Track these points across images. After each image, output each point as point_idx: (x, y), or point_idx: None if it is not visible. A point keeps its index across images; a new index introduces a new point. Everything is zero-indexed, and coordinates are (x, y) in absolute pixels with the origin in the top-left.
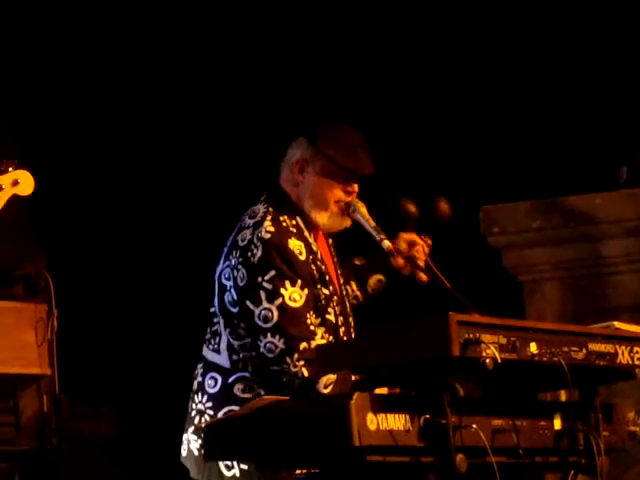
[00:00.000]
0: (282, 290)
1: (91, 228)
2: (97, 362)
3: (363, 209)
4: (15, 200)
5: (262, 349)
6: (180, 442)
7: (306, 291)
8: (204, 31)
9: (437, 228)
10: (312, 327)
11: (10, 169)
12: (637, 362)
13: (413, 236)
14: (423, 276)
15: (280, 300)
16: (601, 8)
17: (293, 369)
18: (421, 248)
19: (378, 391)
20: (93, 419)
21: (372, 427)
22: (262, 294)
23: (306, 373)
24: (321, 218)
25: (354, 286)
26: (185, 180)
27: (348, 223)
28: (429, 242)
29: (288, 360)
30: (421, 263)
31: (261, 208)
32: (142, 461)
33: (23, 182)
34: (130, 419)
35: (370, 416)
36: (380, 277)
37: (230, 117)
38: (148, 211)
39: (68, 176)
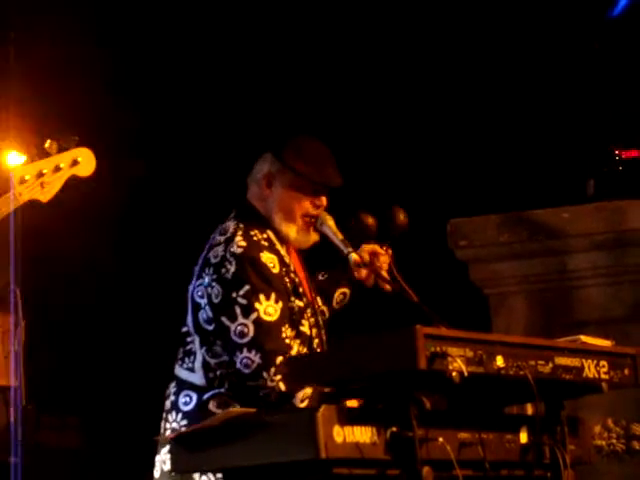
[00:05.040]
0: (257, 305)
1: (59, 239)
2: (64, 373)
3: (331, 222)
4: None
5: (238, 365)
6: (148, 454)
7: (281, 304)
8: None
9: (396, 237)
10: (288, 340)
11: (71, 147)
12: (603, 376)
13: (374, 247)
14: (387, 286)
15: (255, 315)
16: (567, 29)
17: (270, 384)
18: (383, 258)
19: (349, 404)
20: (59, 430)
21: (339, 439)
22: (237, 309)
23: (283, 387)
24: (290, 232)
25: (319, 301)
26: (157, 198)
27: (316, 238)
28: (390, 252)
29: (265, 375)
30: (384, 273)
31: (231, 224)
32: (109, 472)
33: (84, 162)
34: (97, 430)
35: (337, 428)
36: (344, 290)
37: (197, 136)
38: (119, 222)
39: None
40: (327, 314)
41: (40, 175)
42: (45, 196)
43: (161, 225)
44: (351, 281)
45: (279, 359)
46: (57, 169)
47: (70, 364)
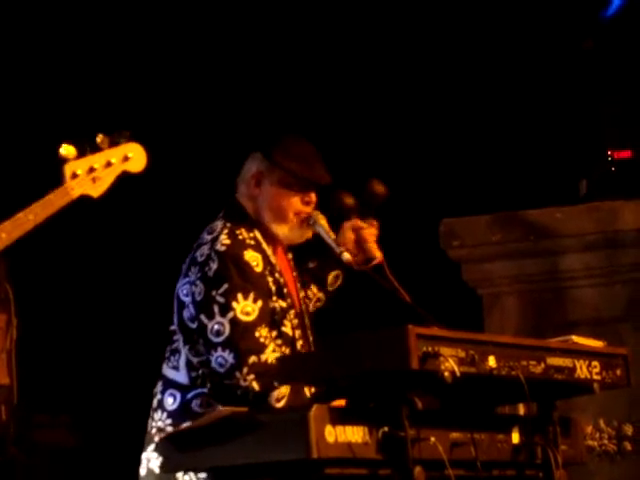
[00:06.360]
0: (234, 304)
1: (52, 237)
2: (56, 371)
3: (323, 221)
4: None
5: (213, 364)
6: (140, 451)
7: (259, 303)
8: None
9: (377, 209)
10: (262, 340)
11: (122, 141)
12: (595, 376)
13: (356, 222)
14: (378, 254)
15: (232, 314)
16: (561, 29)
17: (243, 383)
18: (367, 231)
19: (336, 403)
20: (52, 428)
21: (330, 439)
22: (215, 308)
23: (256, 387)
24: (282, 230)
25: (314, 289)
26: (146, 198)
27: (309, 234)
28: (375, 224)
29: (237, 375)
30: (373, 246)
31: (219, 224)
32: (102, 470)
33: (135, 157)
34: (89, 428)
35: (329, 428)
36: (336, 272)
37: (186, 137)
38: (110, 221)
39: (27, 183)
40: (323, 300)
41: (91, 170)
42: (96, 191)
43: (153, 224)
44: (341, 263)
45: (252, 359)
46: (108, 164)
47: (62, 362)
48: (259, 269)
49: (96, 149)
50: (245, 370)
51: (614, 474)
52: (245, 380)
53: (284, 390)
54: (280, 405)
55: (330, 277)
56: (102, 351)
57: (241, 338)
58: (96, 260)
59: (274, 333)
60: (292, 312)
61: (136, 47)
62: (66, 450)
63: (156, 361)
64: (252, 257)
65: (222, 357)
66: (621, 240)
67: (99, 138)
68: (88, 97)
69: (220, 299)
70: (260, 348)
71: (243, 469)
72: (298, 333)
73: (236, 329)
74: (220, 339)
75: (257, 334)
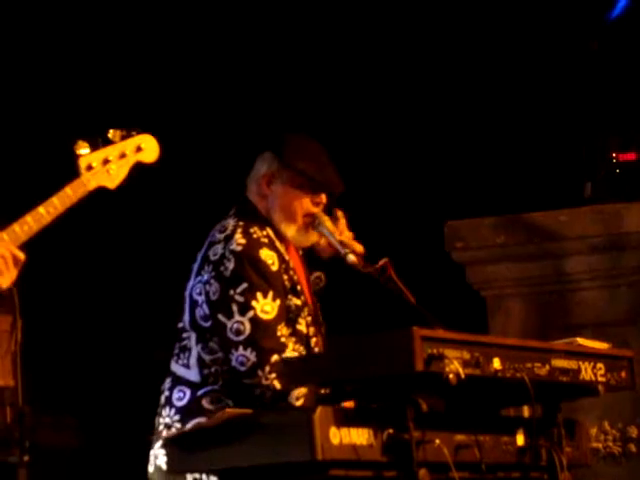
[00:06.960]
0: (254, 303)
1: (56, 238)
2: (61, 372)
3: (328, 222)
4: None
5: (234, 362)
6: (147, 453)
7: (278, 302)
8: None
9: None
10: (283, 339)
11: (133, 134)
12: (600, 378)
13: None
14: (358, 248)
15: (252, 313)
16: (566, 31)
17: (265, 382)
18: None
19: (346, 404)
20: (57, 430)
21: (335, 441)
22: (234, 307)
23: (278, 386)
24: (289, 231)
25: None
26: (154, 196)
27: (315, 238)
28: (339, 214)
29: (260, 373)
30: (349, 242)
31: (231, 222)
32: (107, 472)
33: (147, 148)
34: (94, 429)
35: (333, 430)
36: (319, 274)
37: (195, 134)
38: (116, 220)
39: (29, 184)
40: None
41: (106, 162)
42: (112, 182)
43: (159, 222)
44: (326, 266)
45: (274, 357)
46: (122, 156)
47: (67, 364)
48: (275, 267)
49: (109, 142)
50: (267, 369)
51: (619, 476)
52: (267, 379)
53: (303, 389)
54: (299, 403)
55: (312, 278)
56: (107, 352)
57: (263, 337)
58: (101, 261)
59: (289, 331)
60: (306, 309)
61: (148, 47)
62: (71, 452)
63: (162, 362)
64: (268, 256)
65: (244, 356)
66: (625, 242)
67: (110, 133)
68: (102, 95)
69: (239, 298)
70: (282, 347)
71: (248, 470)
72: (312, 330)
73: (257, 328)
74: (241, 338)
75: (278, 333)
